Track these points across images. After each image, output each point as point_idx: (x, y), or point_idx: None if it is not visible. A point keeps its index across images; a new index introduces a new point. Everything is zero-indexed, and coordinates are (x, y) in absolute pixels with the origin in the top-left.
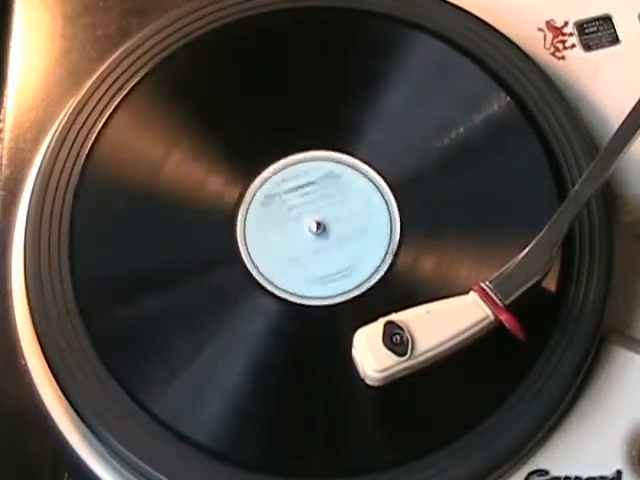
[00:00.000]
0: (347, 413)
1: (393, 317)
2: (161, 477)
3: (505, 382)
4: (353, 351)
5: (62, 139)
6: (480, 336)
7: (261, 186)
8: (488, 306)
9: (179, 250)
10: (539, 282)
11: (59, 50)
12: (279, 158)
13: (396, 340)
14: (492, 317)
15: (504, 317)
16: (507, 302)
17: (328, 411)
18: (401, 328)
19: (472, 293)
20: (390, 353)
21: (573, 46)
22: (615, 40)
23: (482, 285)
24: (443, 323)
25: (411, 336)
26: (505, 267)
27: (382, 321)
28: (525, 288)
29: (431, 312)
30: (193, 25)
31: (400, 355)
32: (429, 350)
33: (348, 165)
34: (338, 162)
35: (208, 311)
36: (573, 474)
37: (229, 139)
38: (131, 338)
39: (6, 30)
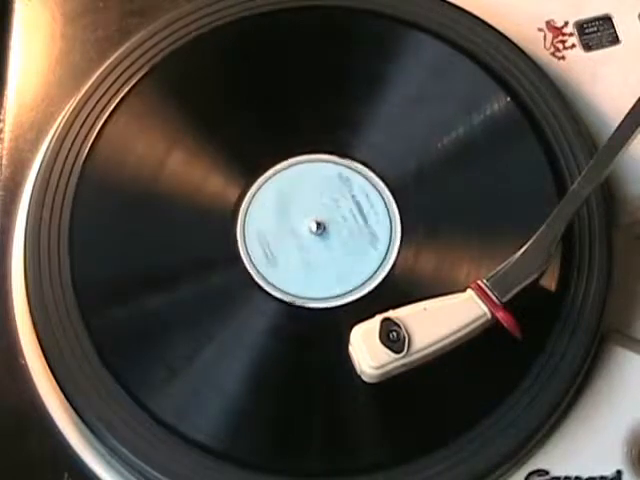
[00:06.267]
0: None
1: (390, 314)
2: (161, 477)
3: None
4: (350, 347)
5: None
6: (477, 334)
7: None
8: (485, 304)
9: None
10: (536, 280)
11: (59, 50)
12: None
13: (393, 337)
14: (489, 315)
15: (501, 315)
16: (504, 300)
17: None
18: (398, 325)
19: (469, 291)
20: (386, 350)
21: (573, 46)
22: (615, 40)
23: (479, 283)
24: (440, 320)
25: (408, 333)
26: (502, 265)
27: (379, 318)
28: (522, 286)
29: (428, 309)
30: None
31: (397, 352)
32: (426, 347)
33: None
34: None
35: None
36: (573, 474)
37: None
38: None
39: (6, 30)
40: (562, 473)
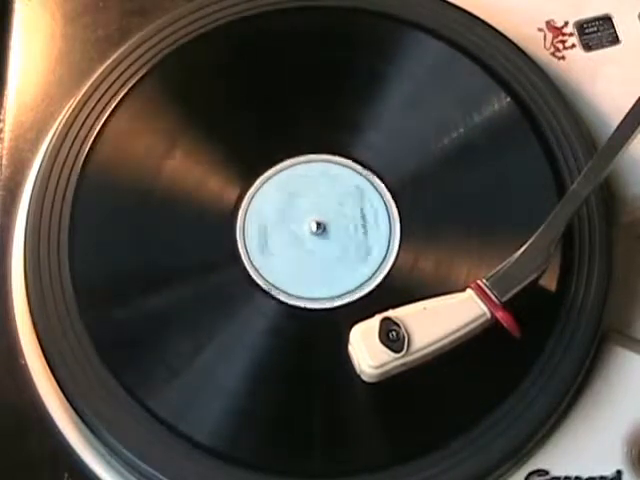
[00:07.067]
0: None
1: (390, 313)
2: (161, 477)
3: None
4: (349, 347)
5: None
6: (476, 333)
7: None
8: (484, 303)
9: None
10: (536, 280)
11: (59, 50)
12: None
13: (392, 336)
14: (488, 314)
15: (500, 314)
16: (504, 300)
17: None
18: (397, 324)
19: (469, 290)
20: (386, 349)
21: (573, 46)
22: (615, 40)
23: (479, 282)
24: (439, 320)
25: (407, 332)
26: (502, 265)
27: (378, 317)
28: (522, 286)
29: (428, 309)
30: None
31: (396, 351)
32: (425, 347)
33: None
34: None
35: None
36: (573, 474)
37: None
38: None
39: (6, 30)
40: (562, 473)
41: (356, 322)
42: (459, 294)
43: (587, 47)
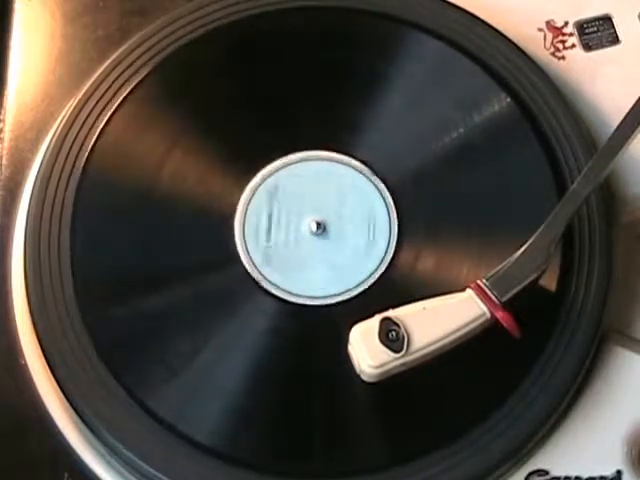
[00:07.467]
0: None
1: (389, 313)
2: (161, 477)
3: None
4: (349, 347)
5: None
6: (476, 333)
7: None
8: (484, 303)
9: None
10: (536, 280)
11: (59, 50)
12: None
13: (392, 336)
14: (488, 314)
15: (500, 314)
16: (503, 300)
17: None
18: (397, 324)
19: (469, 290)
20: (386, 349)
21: (573, 46)
22: (615, 40)
23: (479, 282)
24: (439, 320)
25: (407, 332)
26: (502, 265)
27: (378, 317)
28: (522, 286)
29: (427, 309)
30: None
31: (396, 351)
32: (425, 347)
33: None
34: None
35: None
36: (573, 474)
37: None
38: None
39: (6, 30)
40: (562, 473)
41: (356, 322)
42: (459, 294)
43: (587, 47)
